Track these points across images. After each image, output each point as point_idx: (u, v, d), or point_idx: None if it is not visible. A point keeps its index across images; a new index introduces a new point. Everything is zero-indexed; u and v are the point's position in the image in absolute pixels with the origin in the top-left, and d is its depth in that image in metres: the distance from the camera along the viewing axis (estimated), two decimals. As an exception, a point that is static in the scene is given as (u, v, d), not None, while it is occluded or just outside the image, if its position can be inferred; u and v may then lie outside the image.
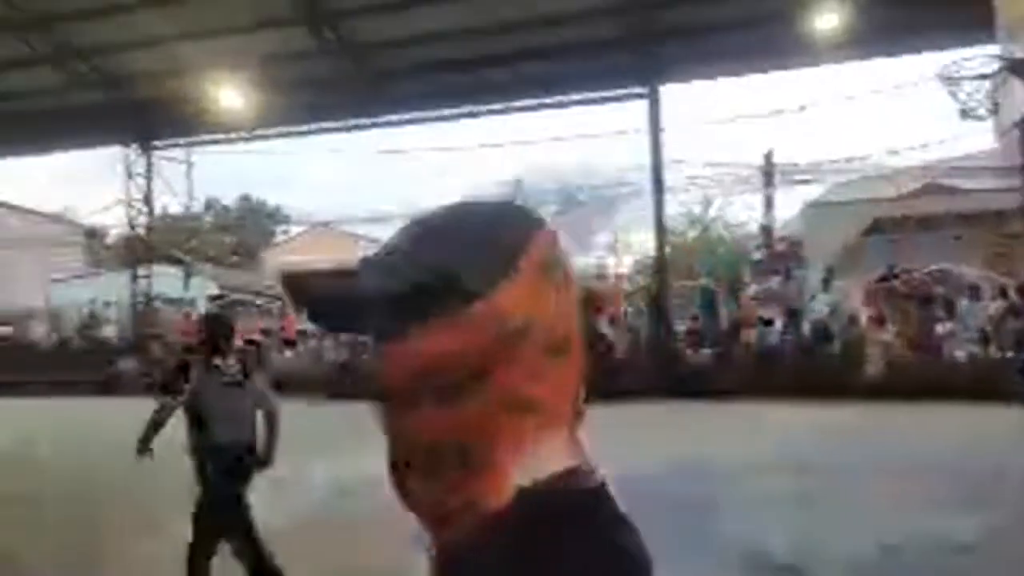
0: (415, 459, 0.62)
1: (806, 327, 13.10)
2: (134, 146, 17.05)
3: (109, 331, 18.60)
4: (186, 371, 3.86)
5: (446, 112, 16.50)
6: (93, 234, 30.55)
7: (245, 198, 43.26)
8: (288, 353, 15.74)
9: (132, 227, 17.35)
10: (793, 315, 13.04)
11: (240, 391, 3.81)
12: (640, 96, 14.78)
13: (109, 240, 34.40)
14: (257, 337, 14.17)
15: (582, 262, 22.10)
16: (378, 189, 51.53)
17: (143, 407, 4.79)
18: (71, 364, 17.25)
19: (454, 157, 35.06)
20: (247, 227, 38.38)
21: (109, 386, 16.14)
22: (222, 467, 3.69)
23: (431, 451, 0.60)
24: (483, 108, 16.48)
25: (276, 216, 42.06)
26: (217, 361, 3.76)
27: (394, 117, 16.32)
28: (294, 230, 39.21)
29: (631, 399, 11.93)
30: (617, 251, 22.18)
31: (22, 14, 14.47)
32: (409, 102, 16.15)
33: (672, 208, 18.05)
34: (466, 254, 0.59)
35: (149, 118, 16.73)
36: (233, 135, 16.58)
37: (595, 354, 12.75)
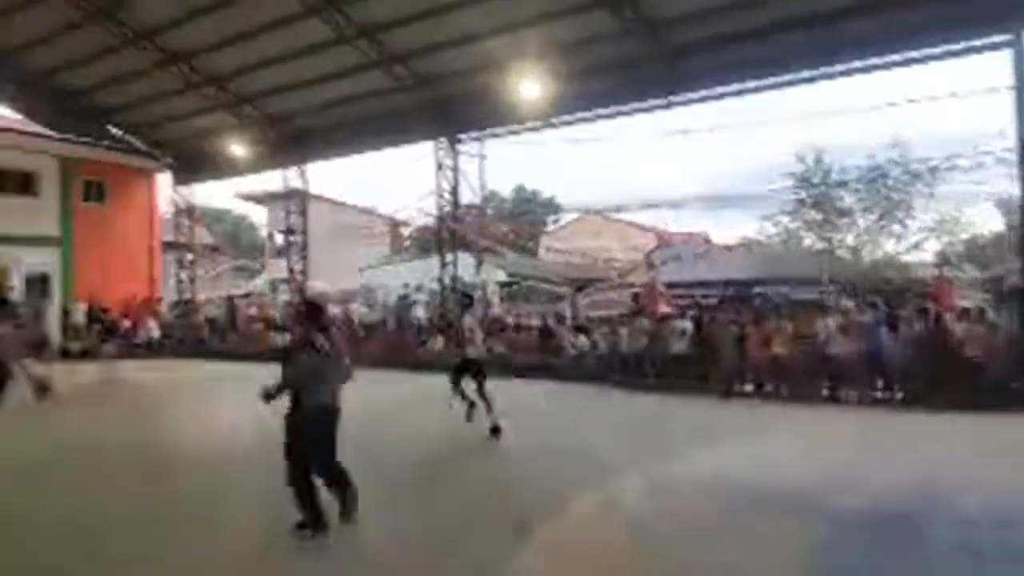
0: None
1: None
2: (443, 141, 18.34)
3: (419, 312, 20.31)
4: (292, 351, 5.14)
5: (749, 85, 15.30)
6: (396, 224, 34.16)
7: (520, 188, 45.42)
8: (582, 339, 15.78)
9: (441, 218, 18.70)
10: None
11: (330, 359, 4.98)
12: (994, 47, 12.39)
13: (408, 231, 38.18)
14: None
15: (895, 246, 19.56)
16: (656, 173, 50.99)
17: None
18: (390, 342, 19.22)
19: (749, 132, 33.32)
20: (523, 216, 40.05)
21: (420, 364, 17.57)
22: (316, 404, 4.92)
23: None
24: (784, 79, 15.04)
25: (549, 205, 43.53)
26: (314, 339, 4.93)
27: (692, 95, 15.48)
28: (567, 217, 40.27)
29: (997, 411, 10.02)
30: (940, 233, 19.19)
31: (353, 27, 16.20)
32: (707, 77, 15.30)
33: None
34: None
35: (457, 114, 17.90)
36: (532, 124, 17.05)
37: (938, 353, 10.96)
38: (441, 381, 15.08)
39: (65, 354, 20.99)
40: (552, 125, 16.96)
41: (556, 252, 32.94)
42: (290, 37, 16.73)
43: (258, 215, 46.13)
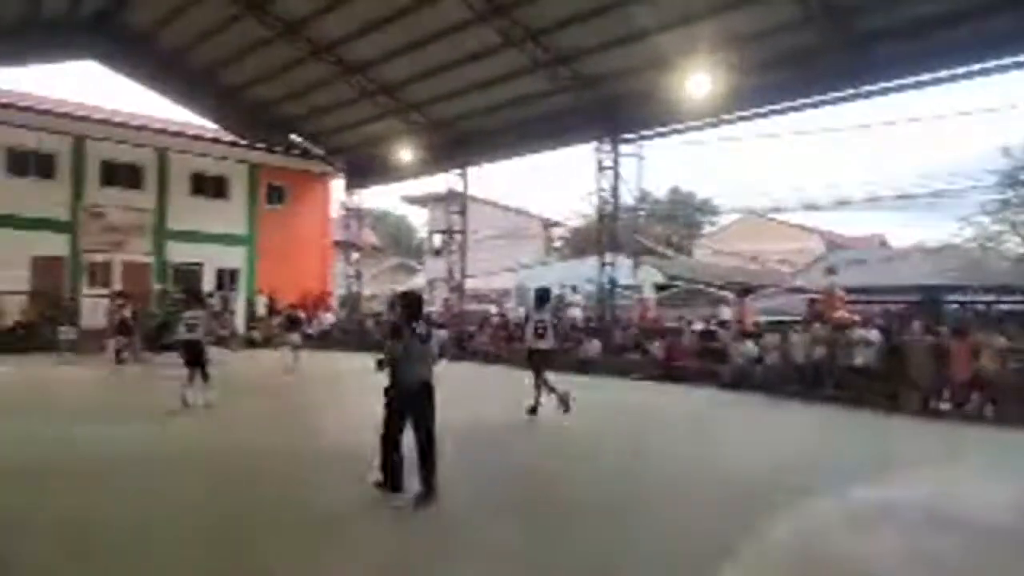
0: None
1: None
2: (605, 141, 18.11)
3: (575, 313, 20.20)
4: (399, 330, 5.74)
5: (944, 74, 13.83)
6: (549, 226, 34.42)
7: (675, 190, 44.24)
8: (749, 345, 14.97)
9: (601, 219, 18.48)
10: None
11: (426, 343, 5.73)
12: None
13: (560, 232, 38.35)
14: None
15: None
16: (821, 172, 47.95)
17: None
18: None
19: (930, 127, 30.57)
20: (679, 218, 38.99)
21: (576, 365, 17.41)
22: (410, 380, 5.62)
23: None
24: (988, 66, 13.41)
25: (705, 207, 42.08)
26: (413, 324, 5.71)
27: (884, 85, 14.20)
28: (726, 219, 38.74)
29: None
30: None
31: (520, 30, 16.37)
32: (895, 66, 13.99)
33: None
34: None
35: (620, 114, 17.63)
36: (704, 121, 16.44)
37: None
38: (607, 384, 15.08)
39: (250, 343, 22.95)
40: (726, 121, 16.19)
41: (717, 254, 31.72)
42: (459, 44, 17.22)
43: (417, 217, 48.21)
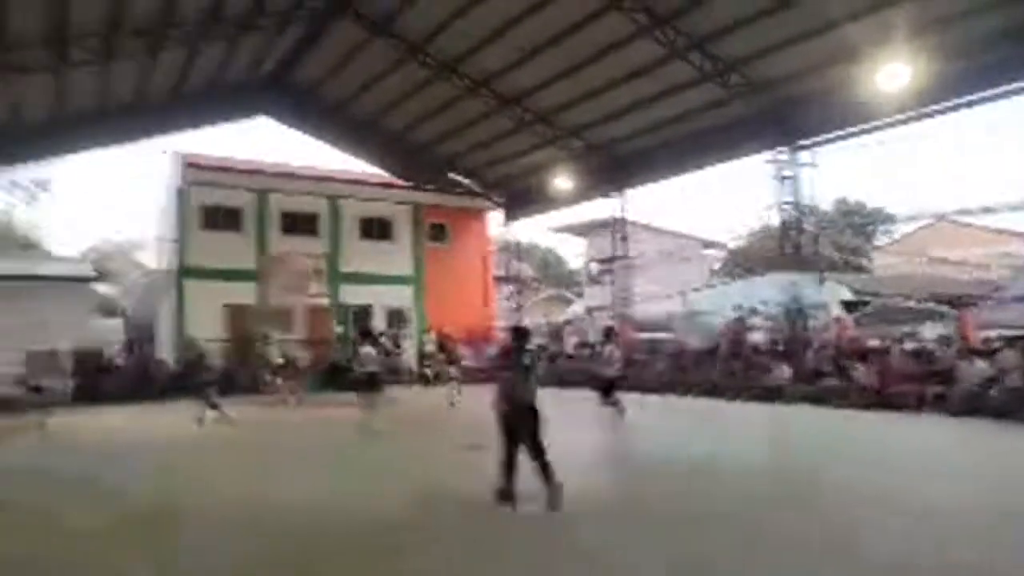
0: None
1: None
2: (780, 150, 16.79)
3: (757, 337, 18.74)
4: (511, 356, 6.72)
5: None
6: (711, 247, 32.90)
7: (842, 200, 41.08)
8: (980, 365, 13.01)
9: (784, 233, 17.07)
10: None
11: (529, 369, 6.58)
12: None
13: (721, 252, 36.59)
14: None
15: None
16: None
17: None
18: (722, 369, 18.01)
19: None
20: (859, 228, 36.04)
21: (768, 393, 15.96)
22: (516, 402, 6.40)
23: None
24: None
25: (879, 215, 38.77)
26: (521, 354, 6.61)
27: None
28: (904, 228, 35.40)
29: None
30: None
31: (684, 40, 15.57)
32: None
33: None
34: None
35: (797, 119, 16.28)
36: (898, 117, 14.78)
37: None
38: (803, 413, 13.64)
39: (423, 379, 23.27)
40: (927, 115, 14.44)
41: (921, 264, 28.75)
42: (619, 62, 16.70)
43: (566, 247, 47.98)
